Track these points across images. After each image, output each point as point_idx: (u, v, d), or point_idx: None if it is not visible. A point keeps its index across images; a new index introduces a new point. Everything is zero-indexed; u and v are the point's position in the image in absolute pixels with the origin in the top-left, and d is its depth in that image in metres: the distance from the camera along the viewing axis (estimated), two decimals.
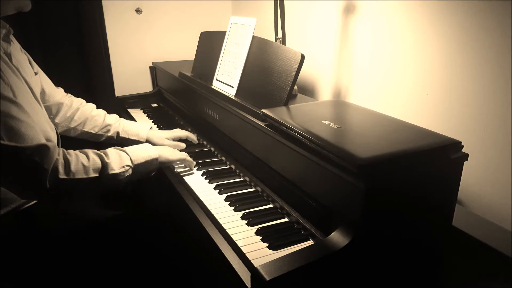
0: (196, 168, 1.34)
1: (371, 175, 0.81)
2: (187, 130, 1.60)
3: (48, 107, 1.36)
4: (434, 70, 1.22)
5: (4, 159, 0.94)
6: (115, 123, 1.49)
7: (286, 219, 1.06)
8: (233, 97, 1.37)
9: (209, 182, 1.25)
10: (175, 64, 2.05)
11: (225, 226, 1.02)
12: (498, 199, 1.10)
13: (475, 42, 1.10)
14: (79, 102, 1.48)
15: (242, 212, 1.08)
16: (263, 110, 1.13)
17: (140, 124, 1.54)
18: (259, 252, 0.92)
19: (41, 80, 1.31)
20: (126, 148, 1.17)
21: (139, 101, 2.05)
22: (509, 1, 1.00)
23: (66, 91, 1.50)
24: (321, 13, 1.64)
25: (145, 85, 2.25)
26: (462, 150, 0.92)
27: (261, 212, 1.09)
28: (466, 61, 1.13)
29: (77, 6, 1.89)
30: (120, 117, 1.55)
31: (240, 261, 0.90)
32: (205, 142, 1.55)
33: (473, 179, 1.13)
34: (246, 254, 0.91)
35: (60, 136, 1.21)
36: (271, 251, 0.93)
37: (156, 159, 1.21)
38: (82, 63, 2.00)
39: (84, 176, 1.04)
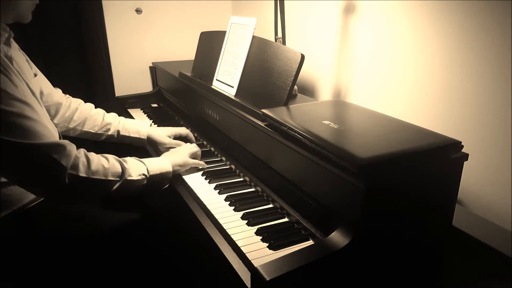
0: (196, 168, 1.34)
1: (371, 175, 0.81)
2: None
3: (47, 108, 1.36)
4: (434, 70, 1.22)
5: (21, 157, 0.96)
6: (115, 122, 1.49)
7: (286, 219, 1.06)
8: (233, 97, 1.37)
9: (209, 182, 1.25)
10: (175, 64, 2.05)
11: (225, 226, 1.02)
12: (498, 199, 1.10)
13: (475, 42, 1.10)
14: (77, 102, 1.48)
15: (242, 212, 1.08)
16: (263, 110, 1.13)
17: (139, 122, 1.55)
18: (259, 252, 0.92)
19: (40, 81, 1.31)
20: (144, 159, 1.19)
21: (139, 101, 2.05)
22: (509, 1, 1.00)
23: (66, 91, 1.50)
24: (321, 13, 1.64)
25: (145, 85, 2.25)
26: (462, 150, 0.92)
27: (261, 212, 1.09)
28: (466, 61, 1.13)
29: (77, 6, 1.89)
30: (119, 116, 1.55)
31: (240, 261, 0.90)
32: (205, 142, 1.55)
33: (473, 179, 1.13)
34: (246, 254, 0.91)
35: (61, 136, 1.21)
36: (271, 251, 0.93)
37: (170, 171, 1.21)
38: (82, 63, 2.00)
39: (103, 178, 1.05)
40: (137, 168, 1.14)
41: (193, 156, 1.32)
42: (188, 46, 2.19)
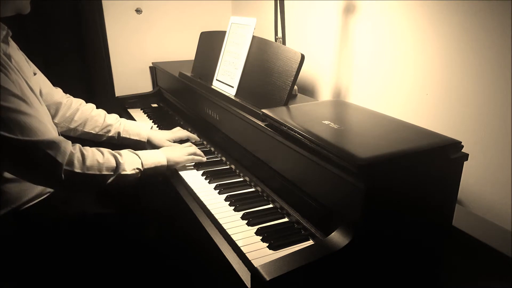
0: (196, 168, 1.34)
1: (371, 175, 0.81)
2: (187, 130, 1.60)
3: (47, 107, 1.36)
4: (434, 70, 1.22)
5: (19, 153, 0.98)
6: (116, 123, 1.49)
7: (286, 219, 1.06)
8: (233, 97, 1.37)
9: (209, 182, 1.25)
10: (175, 64, 2.05)
11: (225, 226, 1.02)
12: (498, 199, 1.10)
13: (475, 42, 1.10)
14: (78, 102, 1.48)
15: (242, 212, 1.08)
16: (263, 110, 1.13)
17: (140, 124, 1.55)
18: (259, 252, 0.92)
19: (39, 80, 1.31)
20: (139, 152, 1.21)
21: (139, 101, 2.06)
22: (509, 1, 1.00)
23: (66, 91, 1.50)
24: (321, 13, 1.64)
25: (145, 85, 2.25)
26: (462, 150, 0.92)
27: (261, 212, 1.09)
28: (466, 61, 1.13)
29: (77, 6, 1.89)
30: (120, 117, 1.55)
31: (240, 261, 0.90)
32: (205, 142, 1.55)
33: (473, 179, 1.13)
34: (246, 254, 0.91)
35: (60, 134, 1.21)
36: (271, 251, 0.93)
37: (165, 165, 1.24)
38: (82, 63, 2.00)
39: (97, 173, 1.08)
40: (131, 162, 1.15)
41: (191, 155, 1.33)
42: (188, 46, 2.19)
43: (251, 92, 1.33)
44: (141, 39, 2.16)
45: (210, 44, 1.64)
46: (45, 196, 1.19)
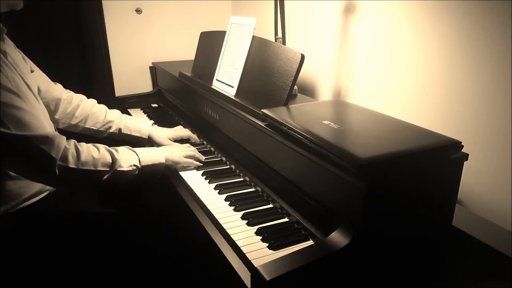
0: (196, 168, 1.34)
1: (371, 175, 0.81)
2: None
3: (46, 104, 1.36)
4: (434, 70, 1.22)
5: (13, 148, 0.98)
6: (117, 120, 1.50)
7: (286, 219, 1.06)
8: (233, 97, 1.37)
9: (209, 182, 1.25)
10: (175, 64, 2.05)
11: (225, 226, 1.02)
12: (498, 199, 1.10)
13: (475, 42, 1.10)
14: (79, 98, 1.48)
15: (242, 212, 1.08)
16: (263, 110, 1.13)
17: (142, 120, 1.55)
18: (259, 252, 0.92)
19: (37, 77, 1.31)
20: (137, 149, 1.20)
21: (139, 101, 2.06)
22: (509, 1, 1.00)
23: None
24: (321, 13, 1.64)
25: (145, 85, 2.25)
26: (462, 150, 0.92)
27: (261, 212, 1.09)
28: (466, 61, 1.13)
29: (77, 6, 1.89)
30: None
31: (240, 261, 0.90)
32: (205, 142, 1.55)
33: (473, 179, 1.13)
34: (246, 254, 0.91)
35: (60, 132, 1.21)
36: (271, 251, 0.92)
37: (163, 163, 1.23)
38: (82, 63, 2.00)
39: (92, 168, 1.08)
40: (128, 158, 1.15)
41: (189, 158, 1.32)
42: (188, 46, 2.19)
43: (251, 92, 1.33)
44: (141, 39, 2.16)
45: (210, 44, 1.64)
46: (45, 194, 1.19)
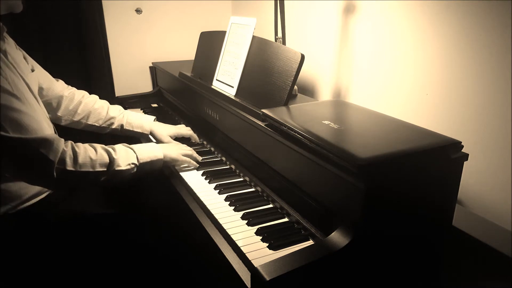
0: (196, 168, 1.34)
1: (371, 175, 0.81)
2: None
3: (48, 101, 1.36)
4: (434, 70, 1.22)
5: (11, 151, 0.98)
6: (119, 116, 1.50)
7: (286, 219, 1.06)
8: (233, 97, 1.37)
9: (209, 182, 1.25)
10: (175, 64, 2.05)
11: (225, 226, 1.02)
12: (498, 199, 1.10)
13: (475, 42, 1.10)
14: (81, 94, 1.48)
15: (242, 212, 1.08)
16: (263, 110, 1.13)
17: (144, 116, 1.56)
18: (259, 252, 0.92)
19: (38, 76, 1.31)
20: (134, 146, 1.20)
21: (139, 101, 2.06)
22: (509, 1, 1.00)
23: None
24: (321, 13, 1.64)
25: (145, 85, 2.25)
26: (462, 150, 0.92)
27: (261, 212, 1.09)
28: (466, 61, 1.13)
29: (77, 6, 1.89)
30: None
31: (240, 261, 0.90)
32: (205, 142, 1.55)
33: (473, 179, 1.13)
34: (246, 254, 0.91)
35: (61, 130, 1.21)
36: (271, 251, 0.92)
37: (161, 159, 1.23)
38: (82, 63, 2.00)
39: (90, 170, 1.07)
40: (126, 157, 1.15)
41: (188, 156, 1.32)
42: (188, 46, 2.19)
43: (251, 92, 1.33)
44: (141, 39, 2.16)
45: (210, 44, 1.64)
46: (45, 194, 1.19)
